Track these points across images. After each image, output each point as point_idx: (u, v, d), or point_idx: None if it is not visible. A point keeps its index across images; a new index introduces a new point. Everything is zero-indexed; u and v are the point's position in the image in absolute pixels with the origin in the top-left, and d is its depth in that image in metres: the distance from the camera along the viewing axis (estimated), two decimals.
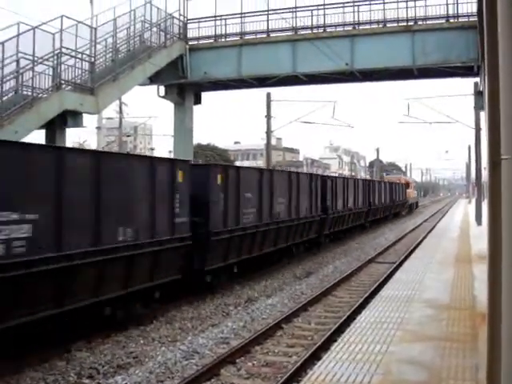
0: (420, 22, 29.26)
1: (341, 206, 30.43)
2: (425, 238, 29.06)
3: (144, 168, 13.22)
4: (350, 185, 33.50)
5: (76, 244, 10.74)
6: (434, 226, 37.94)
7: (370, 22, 29.99)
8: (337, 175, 51.78)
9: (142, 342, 11.80)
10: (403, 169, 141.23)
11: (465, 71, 30.23)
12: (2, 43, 18.77)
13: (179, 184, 14.32)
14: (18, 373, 9.65)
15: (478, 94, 31.32)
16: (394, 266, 20.92)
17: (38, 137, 21.65)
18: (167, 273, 13.91)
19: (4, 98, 18.79)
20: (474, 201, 43.46)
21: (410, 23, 29.22)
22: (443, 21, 28.89)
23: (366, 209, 37.87)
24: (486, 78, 3.79)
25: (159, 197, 13.49)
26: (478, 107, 32.09)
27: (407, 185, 65.69)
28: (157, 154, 70.02)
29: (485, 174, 36.91)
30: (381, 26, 29.84)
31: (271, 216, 20.50)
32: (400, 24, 29.44)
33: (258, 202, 19.40)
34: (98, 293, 11.46)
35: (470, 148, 64.78)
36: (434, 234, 29.90)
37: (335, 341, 9.50)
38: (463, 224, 35.95)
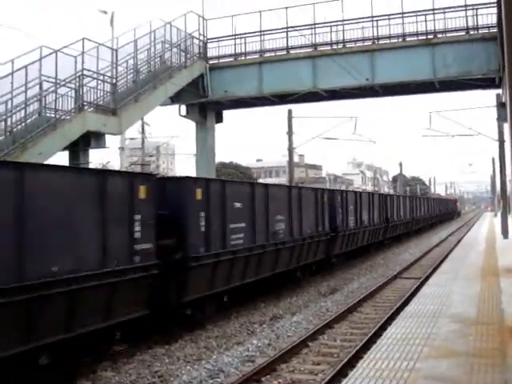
0: (440, 35, 29.20)
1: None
2: (451, 251, 28.77)
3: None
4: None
5: None
6: (459, 240, 37.55)
7: (390, 37, 29.98)
8: (361, 190, 51.59)
9: (167, 360, 11.77)
10: (427, 183, 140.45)
11: (486, 83, 30.05)
12: (26, 67, 19.03)
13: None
14: None
15: (501, 105, 31.02)
16: (420, 280, 20.71)
17: (62, 159, 21.90)
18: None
19: (28, 121, 19.02)
20: (499, 214, 42.94)
21: (429, 36, 29.17)
22: (463, 33, 28.82)
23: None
24: (508, 89, 3.75)
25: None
26: (501, 119, 31.77)
27: (456, 200, 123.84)
28: (180, 173, 70.27)
29: (511, 186, 36.55)
30: (400, 40, 29.82)
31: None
32: (420, 38, 29.40)
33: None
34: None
35: (493, 160, 64.27)
36: (459, 248, 29.58)
37: (361, 358, 9.40)
38: (489, 237, 35.51)
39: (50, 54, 20.04)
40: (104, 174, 11.60)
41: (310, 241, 21.63)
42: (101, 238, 10.75)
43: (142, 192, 12.01)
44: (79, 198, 10.44)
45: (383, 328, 12.79)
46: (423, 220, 57.80)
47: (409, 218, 46.16)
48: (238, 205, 16.10)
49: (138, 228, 11.76)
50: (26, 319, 9.05)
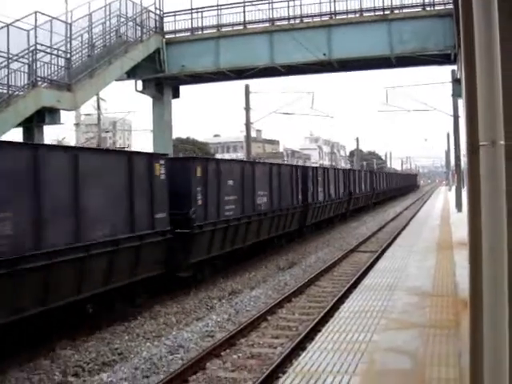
0: (396, 11, 29.28)
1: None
2: (406, 225, 29.25)
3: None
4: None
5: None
6: (414, 214, 38.18)
7: (347, 12, 29.97)
8: (318, 165, 52.50)
9: (126, 338, 11.77)
10: (383, 158, 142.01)
11: (442, 59, 30.32)
12: None
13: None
14: (2, 373, 9.58)
15: (456, 81, 31.45)
16: (377, 254, 21.02)
17: (15, 136, 21.50)
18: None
19: None
20: (453, 188, 43.74)
21: (386, 12, 29.23)
22: (419, 9, 28.97)
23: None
24: (463, 65, 3.80)
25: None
26: (456, 95, 32.24)
27: (416, 175, 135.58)
28: (136, 149, 69.78)
29: (464, 160, 37.17)
30: (357, 15, 29.83)
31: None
32: (376, 13, 29.44)
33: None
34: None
35: (448, 135, 65.30)
36: (414, 222, 30.11)
37: (319, 331, 9.53)
38: (443, 211, 36.19)
39: (2, 27, 19.54)
40: (131, 154, 14.40)
41: (287, 212, 24.45)
42: (129, 208, 13.16)
43: (157, 169, 14.16)
44: (116, 175, 12.92)
45: (341, 301, 12.99)
46: (389, 191, 68.06)
47: (370, 191, 50.35)
48: (229, 183, 18.59)
49: (156, 200, 14.08)
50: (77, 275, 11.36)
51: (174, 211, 15.01)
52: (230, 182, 18.69)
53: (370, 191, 50.09)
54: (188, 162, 16.90)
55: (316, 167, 34.46)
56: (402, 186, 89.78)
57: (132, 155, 13.88)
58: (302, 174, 27.47)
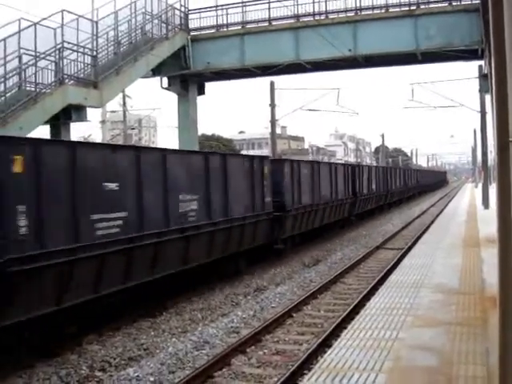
0: (422, 6, 29.10)
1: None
2: (432, 222, 29.01)
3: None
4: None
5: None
6: (441, 211, 37.87)
7: (373, 8, 29.85)
8: (343, 162, 52.53)
9: (152, 333, 11.84)
10: (409, 154, 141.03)
11: (469, 54, 30.06)
12: (4, 39, 18.76)
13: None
14: (31, 367, 9.71)
15: (483, 76, 31.15)
16: (403, 251, 20.90)
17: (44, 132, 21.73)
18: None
19: (7, 95, 18.78)
20: (480, 185, 43.30)
21: (412, 7, 29.06)
22: (446, 4, 28.73)
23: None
24: (493, 60, 3.76)
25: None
26: (483, 90, 31.90)
27: (446, 172, 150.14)
28: (161, 146, 70.02)
29: (492, 157, 36.82)
30: (383, 11, 29.71)
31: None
32: (402, 8, 29.30)
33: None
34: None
35: (475, 132, 64.57)
36: (441, 219, 29.84)
37: (345, 328, 9.50)
38: (470, 208, 35.83)
39: (29, 26, 19.77)
40: (252, 157, 19.95)
41: (341, 202, 29.49)
42: (250, 195, 18.43)
43: (266, 168, 19.59)
44: (243, 172, 18.18)
45: (366, 298, 12.94)
46: (421, 187, 74.57)
47: (403, 187, 54.45)
48: (305, 177, 23.93)
49: (265, 189, 19.28)
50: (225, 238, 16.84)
51: (274, 199, 19.97)
52: (305, 178, 23.75)
53: (403, 187, 54.58)
54: (281, 163, 22.30)
55: (361, 165, 39.25)
56: (433, 182, 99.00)
57: (253, 158, 19.58)
58: (351, 171, 32.27)
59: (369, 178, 37.75)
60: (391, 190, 46.66)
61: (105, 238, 11.18)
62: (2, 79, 18.53)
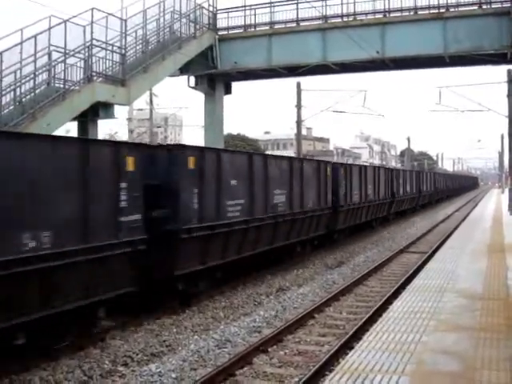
0: (452, 9, 28.89)
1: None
2: (457, 227, 28.79)
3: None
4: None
5: None
6: (466, 216, 37.55)
7: (401, 10, 29.69)
8: (368, 164, 52.81)
9: (174, 330, 11.91)
10: (434, 158, 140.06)
11: (498, 58, 29.77)
12: (35, 36, 18.96)
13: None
14: (55, 360, 9.83)
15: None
16: (427, 255, 20.78)
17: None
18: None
19: (37, 91, 18.99)
20: (506, 190, 42.84)
21: (441, 10, 28.86)
22: (476, 7, 28.48)
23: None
24: None
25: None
26: None
27: (477, 177, 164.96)
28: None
29: None
30: (412, 13, 29.52)
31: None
32: (431, 11, 29.09)
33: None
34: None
35: (502, 137, 63.97)
36: (466, 224, 29.60)
37: (367, 330, 9.49)
38: (496, 214, 35.50)
39: (59, 23, 19.94)
40: (318, 161, 23.59)
41: (383, 202, 32.75)
42: (316, 192, 21.80)
43: (328, 170, 22.90)
44: (311, 173, 21.45)
45: (389, 301, 12.91)
46: (452, 190, 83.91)
47: (432, 190, 58.41)
48: (355, 179, 26.81)
49: (328, 187, 22.95)
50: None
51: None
52: (355, 180, 26.79)
53: (432, 190, 58.13)
54: (337, 165, 25.11)
55: (399, 169, 45.90)
56: (467, 185, 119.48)
57: (320, 162, 23.07)
58: (390, 174, 35.78)
59: (404, 180, 40.83)
60: (422, 192, 50.17)
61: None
62: (32, 75, 18.74)
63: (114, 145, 11.73)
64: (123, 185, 11.11)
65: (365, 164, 54.83)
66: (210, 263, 14.42)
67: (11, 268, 8.56)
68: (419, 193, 48.21)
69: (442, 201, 68.24)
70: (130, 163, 11.35)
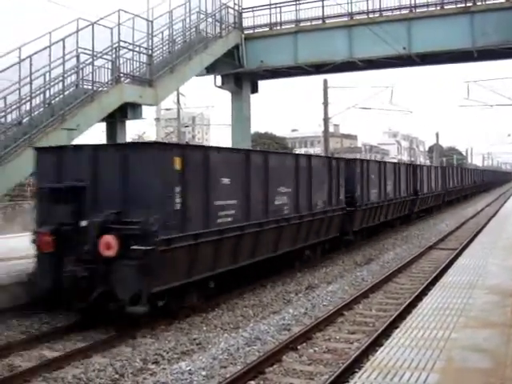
0: (479, 3, 28.53)
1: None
2: (487, 223, 28.50)
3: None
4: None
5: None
6: (496, 212, 37.15)
7: (427, 5, 29.43)
8: (396, 161, 52.56)
9: (204, 328, 12.01)
10: (463, 153, 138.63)
11: None
12: (63, 39, 19.20)
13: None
14: (87, 357, 9.97)
15: None
16: (456, 251, 20.63)
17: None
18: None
19: (66, 93, 19.24)
20: None
21: (468, 4, 28.53)
22: (503, 0, 28.14)
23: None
24: None
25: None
26: None
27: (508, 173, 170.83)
28: (212, 143, 70.56)
29: None
30: (438, 8, 29.25)
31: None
32: (458, 5, 28.79)
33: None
34: None
35: None
36: (496, 220, 29.28)
37: (397, 327, 9.47)
38: None
39: (87, 26, 20.14)
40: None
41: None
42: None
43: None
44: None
45: (419, 298, 12.86)
46: (482, 185, 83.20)
47: (472, 183, 66.14)
48: (372, 176, 25.83)
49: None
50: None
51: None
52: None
53: (460, 186, 58.04)
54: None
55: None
56: (496, 180, 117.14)
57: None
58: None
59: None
60: (449, 188, 49.41)
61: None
62: (61, 78, 18.99)
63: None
64: None
65: (389, 160, 54.50)
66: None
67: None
68: (445, 189, 47.08)
69: (470, 196, 67.55)
70: None
